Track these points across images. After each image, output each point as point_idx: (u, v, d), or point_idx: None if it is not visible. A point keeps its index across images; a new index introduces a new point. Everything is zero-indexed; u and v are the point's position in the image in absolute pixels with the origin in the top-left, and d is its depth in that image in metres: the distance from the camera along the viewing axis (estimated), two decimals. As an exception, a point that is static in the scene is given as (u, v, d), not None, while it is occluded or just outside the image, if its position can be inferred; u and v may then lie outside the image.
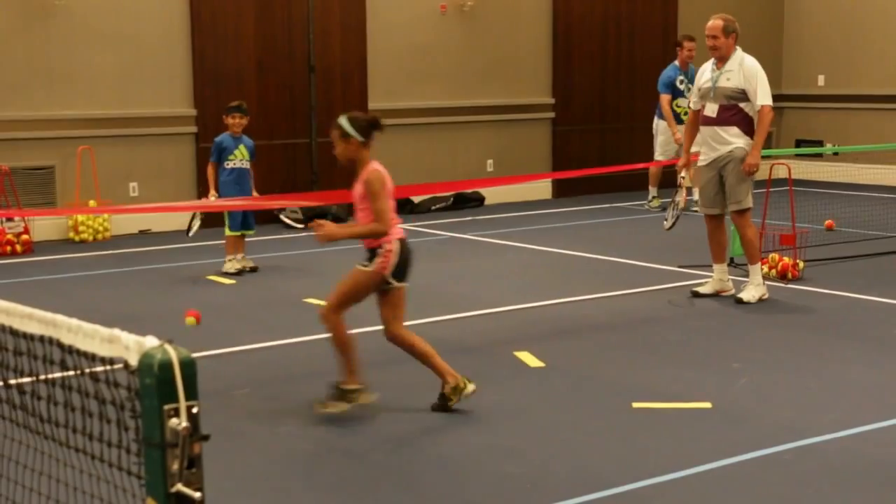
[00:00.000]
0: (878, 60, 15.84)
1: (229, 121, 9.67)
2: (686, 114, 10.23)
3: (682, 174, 8.57)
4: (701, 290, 8.42)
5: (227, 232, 9.62)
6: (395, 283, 5.63)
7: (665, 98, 13.13)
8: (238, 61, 12.66)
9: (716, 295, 8.34)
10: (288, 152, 13.01)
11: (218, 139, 9.71)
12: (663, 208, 12.06)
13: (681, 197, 8.70)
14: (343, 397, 5.65)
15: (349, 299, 5.66)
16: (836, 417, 5.55)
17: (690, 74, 12.54)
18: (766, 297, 8.19)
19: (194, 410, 1.99)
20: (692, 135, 8.47)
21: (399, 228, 5.65)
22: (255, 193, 9.70)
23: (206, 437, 2.02)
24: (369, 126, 5.66)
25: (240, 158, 9.66)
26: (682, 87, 13.02)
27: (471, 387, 5.68)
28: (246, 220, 9.67)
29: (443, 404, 5.68)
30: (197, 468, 2.01)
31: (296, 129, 13.06)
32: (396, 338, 5.72)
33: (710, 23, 8.17)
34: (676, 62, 13.28)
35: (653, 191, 13.71)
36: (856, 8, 16.08)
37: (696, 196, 8.72)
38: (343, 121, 5.65)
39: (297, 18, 12.95)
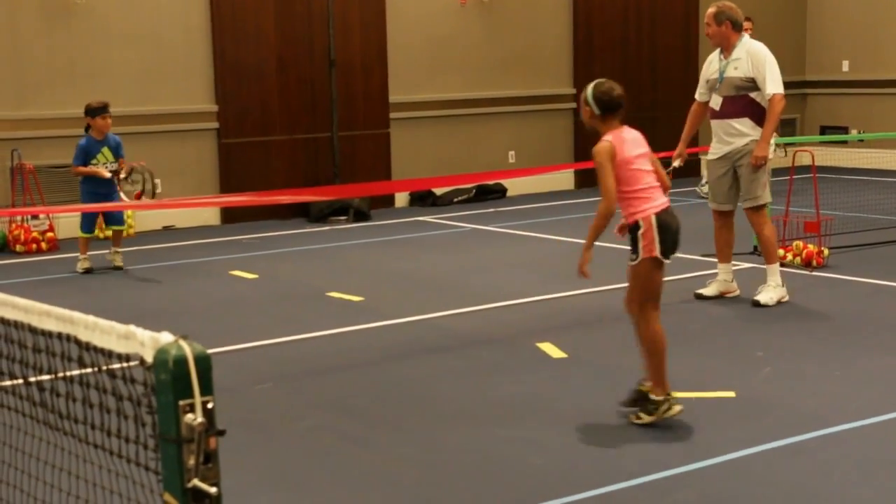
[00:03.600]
0: (903, 45, 15.69)
1: (97, 122, 9.62)
2: None
3: (676, 164, 8.03)
4: (704, 292, 8.00)
5: (79, 233, 9.71)
6: (665, 260, 5.43)
7: None
8: (258, 57, 12.69)
9: (720, 297, 7.92)
10: (310, 146, 13.02)
11: (81, 143, 9.69)
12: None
13: None
14: (644, 406, 5.34)
15: (639, 295, 5.48)
16: (862, 406, 5.51)
17: None
18: (785, 299, 7.70)
19: (209, 405, 1.99)
20: (693, 126, 8.08)
21: (653, 200, 5.40)
22: (121, 195, 9.53)
23: (221, 433, 2.02)
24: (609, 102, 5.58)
25: (103, 162, 9.67)
26: None
27: (676, 408, 5.30)
28: (113, 217, 9.77)
29: (632, 401, 5.40)
30: (213, 463, 2.01)
31: (317, 123, 13.06)
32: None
33: None
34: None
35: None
36: (880, -8, 15.93)
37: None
38: (587, 89, 5.60)
39: (316, 13, 12.96)
